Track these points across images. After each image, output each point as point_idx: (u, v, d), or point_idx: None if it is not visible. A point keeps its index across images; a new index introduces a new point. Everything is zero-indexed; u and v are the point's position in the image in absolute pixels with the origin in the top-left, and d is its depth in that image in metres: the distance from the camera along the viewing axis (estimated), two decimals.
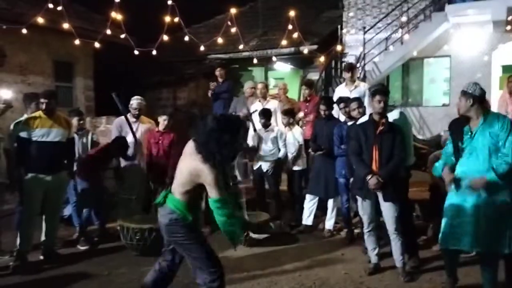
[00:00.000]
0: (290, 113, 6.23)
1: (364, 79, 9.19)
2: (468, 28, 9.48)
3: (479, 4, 8.97)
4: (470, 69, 9.75)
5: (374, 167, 4.17)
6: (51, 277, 4.42)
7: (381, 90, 4.29)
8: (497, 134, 3.48)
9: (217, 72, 8.67)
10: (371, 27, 9.98)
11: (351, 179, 5.14)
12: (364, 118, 4.60)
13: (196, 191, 3.09)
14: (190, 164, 3.02)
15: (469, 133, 3.59)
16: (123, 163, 5.94)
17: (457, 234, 3.59)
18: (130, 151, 5.79)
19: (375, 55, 9.81)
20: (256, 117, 6.34)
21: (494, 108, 8.68)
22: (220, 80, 8.57)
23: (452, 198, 3.67)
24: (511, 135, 3.45)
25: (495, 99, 8.80)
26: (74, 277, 4.40)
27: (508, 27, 8.78)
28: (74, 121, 5.63)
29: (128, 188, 5.92)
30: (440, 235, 3.76)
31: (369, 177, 4.11)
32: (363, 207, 4.33)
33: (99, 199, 5.55)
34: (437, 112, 10.19)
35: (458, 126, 3.71)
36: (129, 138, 5.98)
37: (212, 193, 2.95)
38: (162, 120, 5.99)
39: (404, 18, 9.66)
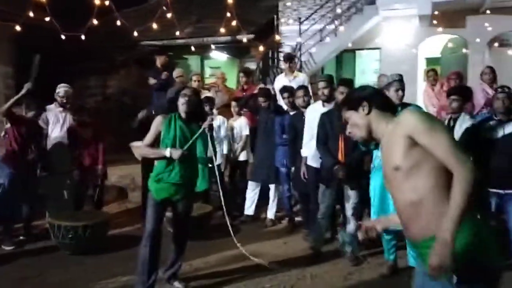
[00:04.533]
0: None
1: (300, 69, 9.28)
2: (397, 21, 9.89)
3: None
4: (398, 62, 10.15)
5: (340, 156, 4.20)
6: None
7: (344, 81, 4.43)
8: None
9: (159, 60, 7.70)
10: (306, 18, 10.09)
11: (292, 168, 5.22)
12: (314, 107, 4.63)
13: None
14: None
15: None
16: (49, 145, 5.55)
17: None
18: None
19: (310, 46, 9.95)
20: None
21: (420, 100, 9.23)
22: (159, 67, 7.59)
23: (375, 185, 3.90)
24: None
25: (421, 91, 9.31)
26: (1, 281, 4.02)
27: (435, 22, 9.28)
28: None
29: (57, 182, 5.52)
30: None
31: (336, 167, 4.13)
32: (324, 195, 4.39)
33: (28, 192, 5.12)
34: None
35: None
36: (56, 131, 5.59)
37: None
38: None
39: (339, 10, 9.87)
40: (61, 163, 5.54)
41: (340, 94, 4.24)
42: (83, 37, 6.79)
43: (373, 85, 2.34)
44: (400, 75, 3.86)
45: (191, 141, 3.58)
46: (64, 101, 5.70)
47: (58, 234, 4.61)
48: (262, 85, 6.33)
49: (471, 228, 1.70)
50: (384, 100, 2.04)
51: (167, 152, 3.52)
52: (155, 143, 3.68)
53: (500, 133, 3.92)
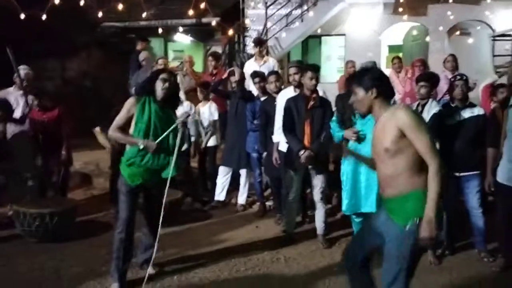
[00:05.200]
0: (207, 86, 6.03)
1: (266, 54, 9.25)
2: (362, 8, 10.02)
3: None
4: (362, 48, 10.33)
5: (306, 141, 4.25)
6: None
7: (312, 67, 4.40)
8: None
9: (141, 45, 7.73)
10: (272, 3, 10.04)
11: (264, 154, 5.25)
12: (286, 93, 4.66)
13: None
14: None
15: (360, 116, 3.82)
16: (10, 132, 5.29)
17: (358, 200, 3.93)
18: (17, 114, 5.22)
19: (277, 31, 9.91)
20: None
21: None
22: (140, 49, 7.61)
23: (347, 170, 3.97)
24: None
25: None
26: None
27: (398, 9, 9.47)
28: None
29: (20, 166, 5.29)
30: (343, 204, 4.07)
31: (301, 152, 4.17)
32: (292, 180, 4.43)
33: None
34: (332, 88, 10.69)
35: (345, 104, 3.91)
36: (17, 115, 5.36)
37: None
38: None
39: None
40: (23, 149, 5.32)
41: (309, 79, 4.27)
42: (44, 17, 6.46)
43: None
44: (375, 62, 3.93)
45: (163, 135, 3.45)
46: (25, 83, 5.46)
47: (23, 222, 4.44)
48: (234, 68, 6.19)
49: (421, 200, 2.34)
50: (389, 88, 2.52)
51: (141, 145, 3.39)
52: (127, 126, 3.53)
53: (458, 118, 4.08)
